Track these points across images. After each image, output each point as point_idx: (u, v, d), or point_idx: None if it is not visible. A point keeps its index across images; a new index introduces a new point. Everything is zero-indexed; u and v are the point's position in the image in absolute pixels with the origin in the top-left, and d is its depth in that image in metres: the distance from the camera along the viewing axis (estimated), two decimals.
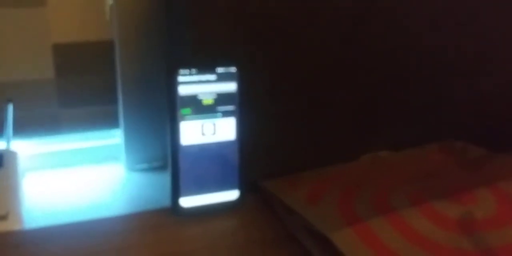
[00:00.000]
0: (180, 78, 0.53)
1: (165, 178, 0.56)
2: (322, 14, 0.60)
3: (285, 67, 0.61)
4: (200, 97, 0.54)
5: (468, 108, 0.72)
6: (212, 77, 0.54)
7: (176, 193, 0.56)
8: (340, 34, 0.62)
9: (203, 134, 0.55)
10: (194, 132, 0.55)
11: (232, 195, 0.58)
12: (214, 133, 0.56)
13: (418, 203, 0.53)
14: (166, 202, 0.57)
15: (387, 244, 0.48)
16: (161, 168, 0.68)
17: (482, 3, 0.68)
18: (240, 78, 0.55)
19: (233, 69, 0.55)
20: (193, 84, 0.54)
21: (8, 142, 0.63)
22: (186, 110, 0.54)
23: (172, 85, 0.53)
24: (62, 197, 0.62)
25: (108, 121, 0.69)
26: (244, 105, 0.56)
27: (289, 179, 0.61)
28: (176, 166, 0.55)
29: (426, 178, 0.60)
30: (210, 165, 0.56)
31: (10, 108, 0.63)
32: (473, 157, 0.66)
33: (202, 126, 0.55)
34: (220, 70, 0.54)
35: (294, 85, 0.62)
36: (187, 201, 0.56)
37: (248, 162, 0.58)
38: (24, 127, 0.66)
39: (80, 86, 0.66)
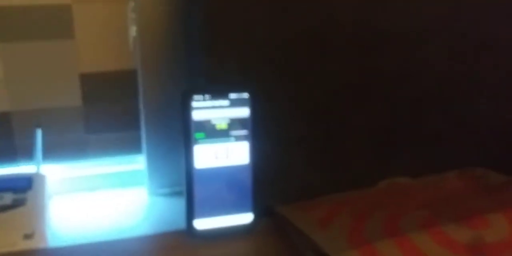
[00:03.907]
0: (194, 104, 0.55)
1: None
2: (336, 40, 0.62)
3: (299, 92, 0.62)
4: (214, 122, 0.56)
5: (489, 134, 0.71)
6: (225, 102, 0.56)
7: (190, 215, 0.57)
8: (355, 59, 0.63)
9: (216, 157, 0.57)
10: (207, 155, 0.56)
11: (246, 218, 0.59)
12: (227, 157, 0.57)
13: (428, 226, 0.52)
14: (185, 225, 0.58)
15: None
16: (183, 192, 0.69)
17: (505, 28, 0.68)
18: (253, 104, 0.57)
19: (245, 95, 0.57)
20: (206, 109, 0.56)
21: (37, 166, 0.66)
22: (200, 134, 0.56)
23: (186, 110, 0.55)
24: (87, 219, 0.65)
25: (131, 146, 0.71)
26: (257, 130, 0.57)
27: (303, 204, 0.61)
28: (190, 188, 0.57)
29: (440, 203, 0.60)
30: (224, 188, 0.57)
31: (40, 134, 0.66)
32: (493, 183, 0.65)
33: (216, 150, 0.57)
34: (233, 96, 0.56)
35: (308, 110, 0.63)
36: (201, 223, 0.57)
37: (263, 186, 0.59)
38: (52, 152, 0.69)
39: (105, 113, 0.70)
